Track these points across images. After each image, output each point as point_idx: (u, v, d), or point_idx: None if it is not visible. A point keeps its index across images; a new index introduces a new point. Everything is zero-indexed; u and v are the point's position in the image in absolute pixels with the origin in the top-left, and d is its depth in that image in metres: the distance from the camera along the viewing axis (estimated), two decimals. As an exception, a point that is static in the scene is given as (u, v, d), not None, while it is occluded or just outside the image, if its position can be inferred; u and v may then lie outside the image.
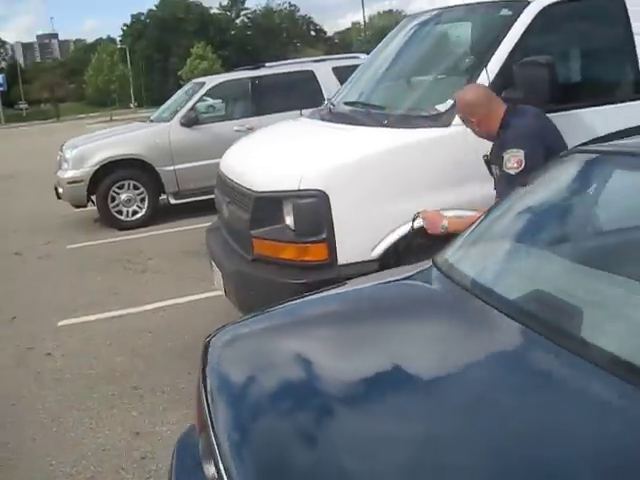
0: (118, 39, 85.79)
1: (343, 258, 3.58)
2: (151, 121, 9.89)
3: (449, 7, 4.49)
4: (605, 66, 4.02)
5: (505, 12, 3.88)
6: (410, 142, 3.65)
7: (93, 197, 8.82)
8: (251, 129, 9.01)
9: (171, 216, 9.02)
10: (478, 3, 4.27)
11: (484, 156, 3.43)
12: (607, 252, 2.15)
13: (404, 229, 3.56)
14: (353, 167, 3.59)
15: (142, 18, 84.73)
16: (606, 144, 2.28)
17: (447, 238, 3.63)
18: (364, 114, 4.10)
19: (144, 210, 8.88)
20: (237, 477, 1.44)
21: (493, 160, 3.37)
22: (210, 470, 1.60)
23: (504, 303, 1.84)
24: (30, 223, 9.67)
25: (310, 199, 3.55)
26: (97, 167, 8.60)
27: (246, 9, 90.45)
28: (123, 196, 8.76)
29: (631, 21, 3.88)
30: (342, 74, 9.48)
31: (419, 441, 1.45)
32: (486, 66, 3.68)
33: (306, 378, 1.82)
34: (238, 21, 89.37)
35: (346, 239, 3.56)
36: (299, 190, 3.57)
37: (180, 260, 6.98)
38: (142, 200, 8.87)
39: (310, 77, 9.58)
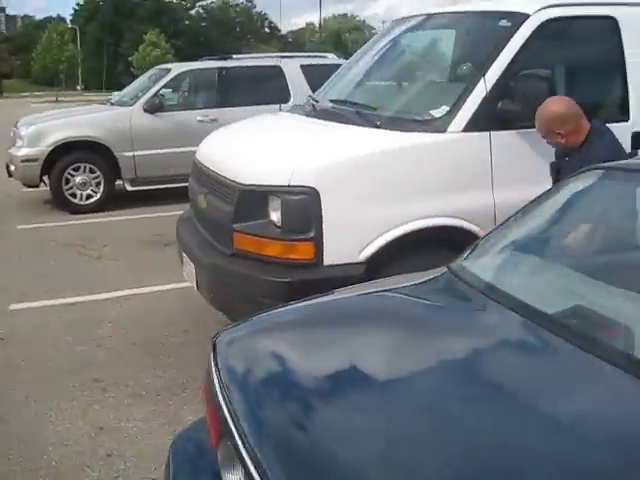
0: (69, 18, 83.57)
1: (329, 259, 3.48)
2: (112, 104, 9.58)
3: (443, 13, 4.44)
4: (595, 85, 4.04)
5: (504, 23, 3.86)
6: (405, 146, 3.59)
7: (46, 178, 8.49)
8: (215, 120, 8.86)
9: (126, 203, 8.77)
10: (475, 11, 4.24)
11: (552, 163, 3.46)
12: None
13: (394, 233, 3.49)
14: (347, 166, 3.50)
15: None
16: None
17: (434, 247, 3.63)
18: (354, 113, 4.00)
19: (99, 195, 8.60)
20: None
21: (567, 170, 3.33)
22: (235, 478, 1.49)
23: (543, 317, 1.78)
24: (-25, 200, 9.26)
25: (301, 196, 3.44)
26: (53, 147, 8.28)
27: (202, 0, 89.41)
28: (78, 179, 8.46)
29: (623, 43, 3.92)
30: (310, 72, 9.45)
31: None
32: (484, 75, 3.65)
33: (338, 377, 1.72)
34: (193, 12, 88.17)
35: (334, 239, 3.47)
36: (290, 186, 3.45)
37: (137, 249, 6.77)
38: (97, 184, 8.58)
39: (278, 73, 9.48)
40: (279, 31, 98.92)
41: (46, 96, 51.85)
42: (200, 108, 9.17)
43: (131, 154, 8.59)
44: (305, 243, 3.47)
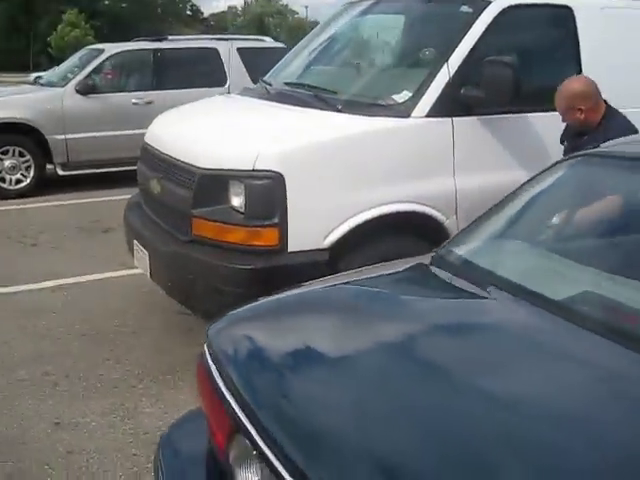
0: (-21, -5, 79.66)
1: (294, 245, 3.41)
2: (41, 85, 9.17)
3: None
4: (553, 71, 4.09)
5: (465, 9, 3.86)
6: (369, 131, 3.55)
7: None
8: (151, 102, 8.64)
9: (57, 188, 8.43)
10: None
11: (565, 143, 3.54)
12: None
13: (358, 219, 3.45)
14: (312, 151, 3.43)
15: (8, -26, 79.10)
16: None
17: (398, 233, 3.61)
18: (312, 96, 3.93)
19: (29, 179, 8.25)
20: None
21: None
22: (253, 475, 1.41)
23: (550, 303, 1.78)
24: None
25: (265, 181, 3.35)
26: (-21, 129, 7.87)
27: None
28: (7, 163, 8.09)
29: (578, 31, 3.99)
30: (247, 55, 9.32)
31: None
32: (447, 61, 3.64)
33: (351, 359, 1.67)
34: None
35: (298, 225, 3.39)
36: (254, 170, 3.36)
37: (75, 236, 6.51)
38: (27, 169, 8.22)
39: (214, 55, 9.31)
40: (202, 14, 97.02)
41: (-44, 77, 49.36)
42: (135, 90, 8.90)
43: (63, 137, 8.27)
44: (269, 229, 3.39)
